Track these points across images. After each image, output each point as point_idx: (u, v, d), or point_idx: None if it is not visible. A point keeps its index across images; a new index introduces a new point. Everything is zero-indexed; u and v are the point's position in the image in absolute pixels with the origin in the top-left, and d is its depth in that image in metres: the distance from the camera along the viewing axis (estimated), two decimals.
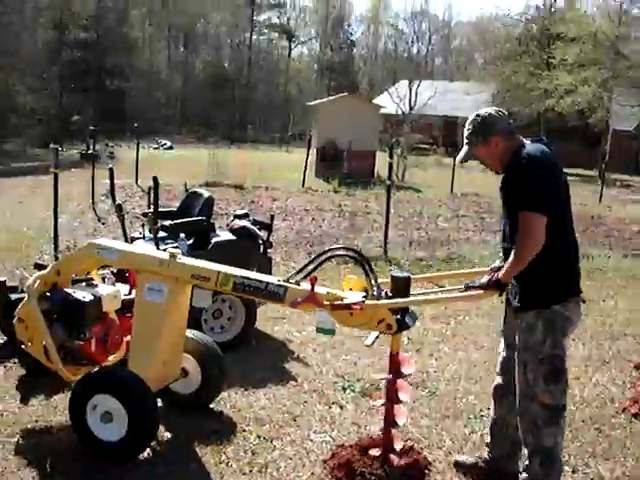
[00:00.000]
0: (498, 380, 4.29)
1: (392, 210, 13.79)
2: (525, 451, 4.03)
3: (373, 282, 4.09)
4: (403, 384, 4.23)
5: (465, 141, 4.03)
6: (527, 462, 3.99)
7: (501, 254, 4.11)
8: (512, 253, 3.78)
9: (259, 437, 4.77)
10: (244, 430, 4.87)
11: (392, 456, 4.19)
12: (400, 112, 31.88)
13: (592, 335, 7.64)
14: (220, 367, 5.12)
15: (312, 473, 4.31)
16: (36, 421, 4.85)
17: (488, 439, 4.41)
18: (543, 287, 3.83)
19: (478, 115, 3.97)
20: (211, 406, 5.20)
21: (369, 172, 24.86)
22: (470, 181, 24.18)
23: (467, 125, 4.00)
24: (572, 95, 34.17)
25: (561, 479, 4.04)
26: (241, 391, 5.53)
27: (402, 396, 4.18)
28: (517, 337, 3.96)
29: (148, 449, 4.49)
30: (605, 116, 35.77)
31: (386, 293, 4.07)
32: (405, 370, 4.21)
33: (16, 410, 5.01)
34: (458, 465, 4.44)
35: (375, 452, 4.24)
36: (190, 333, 5.03)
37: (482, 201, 19.86)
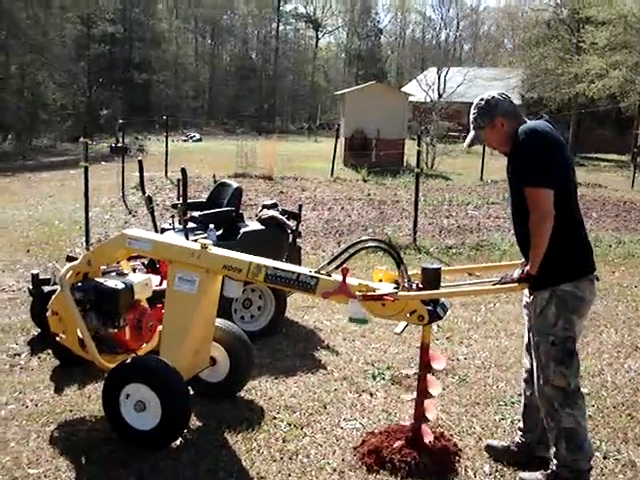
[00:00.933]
0: (526, 363, 4.29)
1: (421, 198, 13.77)
2: (550, 437, 4.02)
3: (404, 273, 4.10)
4: (433, 379, 4.25)
5: (472, 125, 4.06)
6: (553, 448, 3.99)
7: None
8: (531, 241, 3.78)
9: (289, 424, 4.80)
10: (274, 418, 4.90)
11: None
12: (429, 100, 31.66)
13: (624, 321, 7.57)
14: (248, 356, 5.16)
15: (342, 460, 4.32)
16: (70, 411, 4.92)
17: (521, 424, 4.39)
18: (553, 266, 3.80)
19: (482, 99, 4.01)
20: (241, 394, 5.24)
21: (398, 161, 24.76)
22: (500, 168, 23.83)
23: (472, 109, 4.04)
24: (603, 79, 33.62)
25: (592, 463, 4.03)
26: (271, 379, 5.57)
27: (432, 391, 4.21)
28: (531, 319, 3.99)
29: (181, 437, 4.54)
30: (637, 100, 35.18)
31: (417, 285, 4.09)
32: (436, 365, 4.22)
33: (50, 400, 5.09)
34: (489, 448, 4.44)
35: (407, 449, 4.24)
36: (218, 322, 5.07)
37: None
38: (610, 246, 11.88)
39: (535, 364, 3.98)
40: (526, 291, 4.12)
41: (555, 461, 3.99)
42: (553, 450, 3.99)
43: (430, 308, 3.96)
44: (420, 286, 4.06)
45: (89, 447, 4.39)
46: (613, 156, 32.60)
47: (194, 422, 4.78)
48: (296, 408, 5.07)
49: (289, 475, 4.13)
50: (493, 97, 3.98)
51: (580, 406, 3.94)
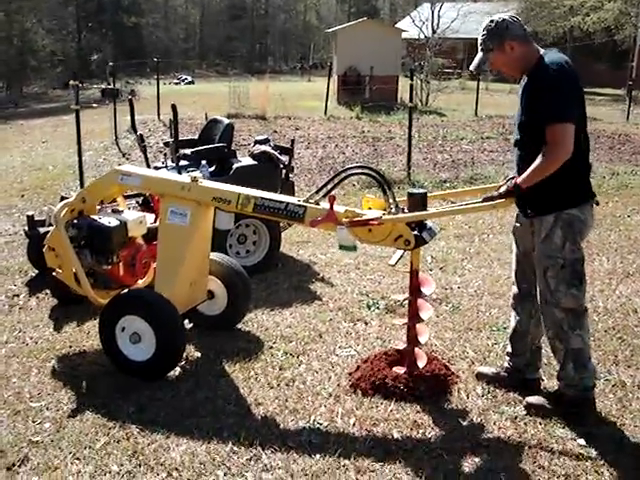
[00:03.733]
0: (514, 289, 4.34)
1: (416, 134, 13.74)
2: (556, 358, 4.09)
3: (391, 199, 4.13)
4: (424, 303, 4.32)
5: (479, 47, 3.96)
6: (559, 368, 4.06)
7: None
8: (537, 160, 3.74)
9: (286, 353, 4.89)
10: (271, 347, 4.98)
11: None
12: (422, 36, 31.21)
13: (616, 249, 7.64)
14: (245, 288, 5.22)
15: (338, 385, 4.41)
16: (70, 347, 5.00)
17: (509, 348, 4.47)
18: (560, 192, 3.81)
19: (492, 21, 3.91)
20: (239, 326, 5.32)
21: (392, 97, 24.55)
22: (495, 103, 23.88)
23: (481, 31, 3.94)
24: (598, 12, 33.20)
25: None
26: (267, 311, 5.65)
27: (423, 314, 4.27)
28: (535, 245, 3.98)
29: (179, 367, 4.63)
30: (632, 33, 34.78)
31: (403, 210, 4.12)
32: (425, 290, 4.27)
33: (50, 337, 5.17)
34: (480, 376, 4.52)
35: (400, 369, 4.34)
36: (216, 256, 5.12)
37: (507, 122, 19.56)
38: (604, 177, 11.91)
39: (541, 289, 3.99)
40: (515, 218, 4.15)
41: (561, 382, 4.07)
42: (559, 370, 4.06)
43: (416, 233, 4.00)
44: (406, 211, 4.09)
45: (89, 380, 4.47)
46: (608, 90, 32.26)
47: (192, 353, 4.86)
48: (292, 338, 5.15)
49: (286, 400, 4.22)
50: (503, 19, 3.88)
51: (586, 326, 4.00)
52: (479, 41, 3.95)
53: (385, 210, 4.16)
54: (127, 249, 4.96)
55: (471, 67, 4.11)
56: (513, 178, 3.95)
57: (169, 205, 4.59)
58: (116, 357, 4.52)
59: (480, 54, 3.98)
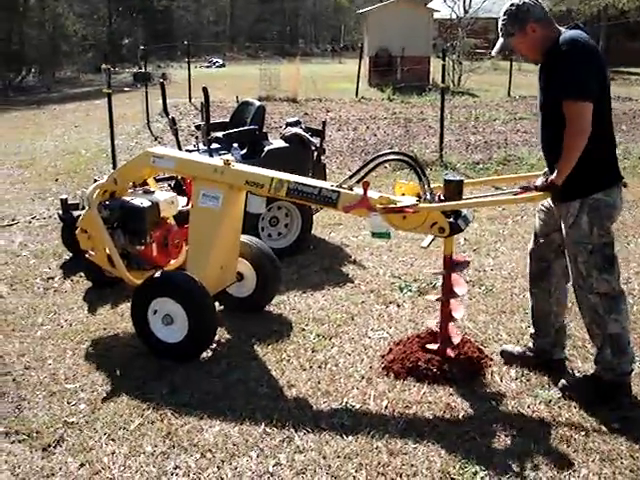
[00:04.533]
0: (528, 269, 4.33)
1: (448, 115, 13.63)
2: (595, 343, 4.03)
3: (426, 186, 4.09)
4: (458, 278, 4.28)
5: (500, 32, 3.91)
6: (597, 353, 4.00)
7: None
8: (562, 153, 3.69)
9: (318, 336, 4.89)
10: (303, 330, 4.99)
11: (449, 350, 4.28)
12: (454, 16, 30.90)
13: None
14: (275, 270, 5.22)
15: (370, 367, 4.40)
16: (104, 329, 5.04)
17: (532, 329, 4.43)
18: (584, 176, 3.73)
19: (512, 4, 3.83)
20: (270, 309, 5.33)
21: (424, 78, 24.39)
22: (528, 84, 23.45)
23: (502, 16, 3.88)
24: None
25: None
26: (299, 294, 5.65)
27: (458, 290, 4.24)
28: (563, 232, 3.93)
29: (211, 350, 4.65)
30: None
31: (439, 197, 4.07)
32: (460, 266, 4.25)
33: (84, 320, 5.22)
34: (504, 353, 4.50)
35: (433, 346, 4.32)
36: (245, 238, 5.13)
37: None
38: (639, 159, 11.73)
39: (574, 276, 3.94)
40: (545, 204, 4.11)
41: (598, 365, 4.01)
42: (597, 354, 4.00)
43: (451, 220, 3.97)
44: (442, 198, 4.05)
45: (123, 362, 4.51)
46: None
47: (224, 335, 4.89)
48: (324, 320, 5.15)
49: (318, 382, 4.22)
50: (524, 2, 3.80)
51: (624, 310, 3.93)
52: (499, 26, 3.90)
53: (419, 196, 4.12)
54: (159, 229, 4.99)
55: (493, 52, 4.10)
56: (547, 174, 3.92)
57: (201, 188, 4.60)
58: (148, 338, 4.56)
59: (501, 39, 3.93)
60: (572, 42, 3.68)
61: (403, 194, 4.22)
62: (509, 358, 4.45)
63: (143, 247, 4.93)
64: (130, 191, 5.07)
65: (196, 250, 4.70)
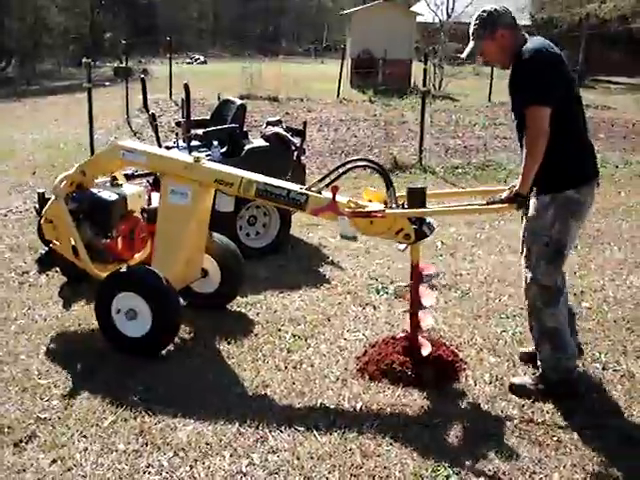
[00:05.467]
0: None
1: (428, 119, 13.65)
2: (534, 340, 4.15)
3: (392, 194, 4.18)
4: (425, 290, 4.34)
5: (471, 36, 4.07)
6: (537, 349, 4.13)
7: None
8: (523, 160, 3.82)
9: (294, 336, 4.89)
10: (279, 330, 4.99)
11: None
12: (437, 20, 30.98)
13: (628, 239, 7.60)
14: (239, 267, 5.25)
15: (345, 369, 4.41)
16: (79, 324, 5.02)
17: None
18: (556, 174, 3.86)
19: (484, 10, 4.02)
20: (247, 308, 5.33)
21: (405, 82, 24.43)
22: None
23: (473, 21, 4.06)
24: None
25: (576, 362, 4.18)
26: (276, 294, 5.65)
27: (425, 301, 4.29)
28: (526, 222, 4.05)
29: (187, 349, 4.65)
30: None
31: (402, 205, 4.16)
32: (426, 276, 4.30)
33: (59, 315, 5.18)
34: (524, 356, 4.55)
35: (401, 358, 4.34)
36: (210, 235, 5.14)
37: None
38: (617, 167, 11.86)
39: (526, 265, 4.07)
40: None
41: (543, 364, 4.11)
42: (539, 352, 4.12)
43: (416, 227, 4.04)
44: (406, 206, 4.13)
45: (98, 358, 4.49)
46: (623, 78, 32.03)
47: (200, 334, 4.87)
48: (300, 321, 5.15)
49: (293, 383, 4.23)
50: (495, 9, 4.00)
51: (561, 307, 4.06)
52: (471, 30, 4.06)
53: (386, 204, 4.19)
54: (126, 223, 4.99)
55: (463, 55, 4.26)
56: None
57: (170, 184, 4.60)
58: (111, 332, 4.56)
59: (472, 42, 4.08)
60: (533, 50, 3.83)
61: (370, 200, 4.28)
62: (527, 359, 4.52)
63: (109, 240, 4.93)
64: (97, 183, 5.05)
65: (163, 245, 4.70)
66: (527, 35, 3.99)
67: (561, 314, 4.06)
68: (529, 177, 3.81)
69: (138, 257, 5.17)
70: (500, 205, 3.99)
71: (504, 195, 3.98)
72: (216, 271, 5.17)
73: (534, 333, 4.13)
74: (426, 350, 4.28)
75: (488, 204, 4.06)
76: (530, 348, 4.52)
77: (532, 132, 3.76)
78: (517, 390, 4.15)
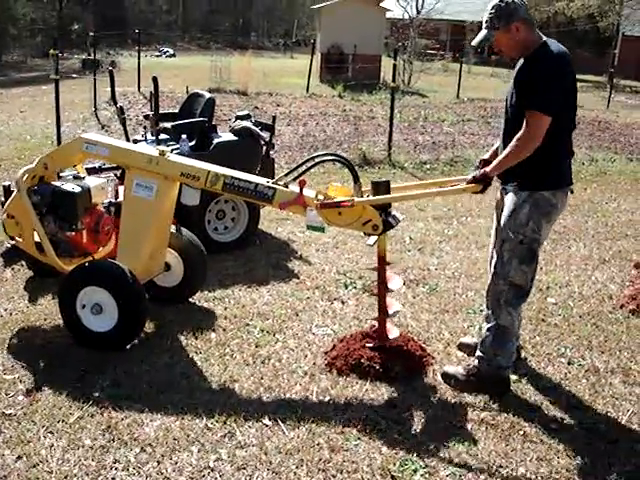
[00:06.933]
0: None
1: (397, 115, 13.71)
2: (484, 327, 4.21)
3: (359, 189, 4.21)
4: (391, 275, 4.40)
5: (485, 25, 3.94)
6: (481, 340, 4.20)
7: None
8: (507, 148, 3.84)
9: (262, 331, 4.88)
10: (247, 325, 4.98)
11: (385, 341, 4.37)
12: (407, 16, 31.07)
13: (593, 235, 7.71)
14: (202, 261, 5.23)
15: (313, 363, 4.42)
16: (45, 319, 4.95)
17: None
18: (538, 173, 3.87)
19: (502, 0, 3.86)
20: (215, 303, 5.31)
21: (374, 77, 24.50)
22: (477, 86, 23.93)
23: (489, 9, 3.91)
24: None
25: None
26: (244, 288, 5.64)
27: (391, 285, 4.34)
28: (502, 217, 4.05)
29: (154, 343, 4.62)
30: (616, 20, 34.81)
31: (369, 197, 4.20)
32: (392, 285, 4.36)
33: (24, 309, 5.11)
34: (462, 346, 4.65)
35: (369, 344, 4.38)
36: (173, 229, 5.11)
37: (488, 106, 19.65)
38: (583, 164, 12.01)
39: (495, 260, 4.10)
40: (499, 193, 4.19)
41: (479, 353, 4.18)
42: (482, 338, 4.19)
43: (383, 218, 4.07)
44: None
45: (63, 354, 4.44)
46: (590, 77, 32.39)
47: (167, 329, 4.85)
48: (269, 315, 5.15)
49: (261, 378, 4.22)
50: (513, 1, 3.85)
51: (520, 308, 4.13)
52: (485, 18, 3.94)
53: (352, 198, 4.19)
54: (90, 216, 4.94)
55: (473, 42, 4.10)
56: (483, 163, 4.08)
57: (135, 178, 4.56)
58: (76, 327, 4.52)
59: (484, 31, 3.96)
60: (556, 57, 3.78)
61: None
62: (467, 350, 4.61)
63: (73, 233, 4.88)
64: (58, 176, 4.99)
65: (128, 239, 4.67)
66: (543, 35, 3.90)
67: (517, 317, 4.13)
68: (503, 167, 3.86)
69: (103, 251, 5.12)
70: (465, 186, 4.04)
71: (471, 175, 4.02)
72: (179, 265, 5.15)
73: (486, 322, 4.20)
74: (393, 335, 4.32)
75: (453, 186, 4.16)
76: (471, 339, 4.62)
77: (527, 135, 3.76)
78: (448, 379, 4.22)
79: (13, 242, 5.08)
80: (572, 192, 4.09)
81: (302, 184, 4.15)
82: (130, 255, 4.60)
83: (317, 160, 4.41)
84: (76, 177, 5.01)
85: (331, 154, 4.56)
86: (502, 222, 4.05)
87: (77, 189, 4.77)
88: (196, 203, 5.21)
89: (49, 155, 4.93)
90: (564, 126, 3.90)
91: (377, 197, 4.11)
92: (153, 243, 4.76)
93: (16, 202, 4.81)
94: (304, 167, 4.34)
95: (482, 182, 3.97)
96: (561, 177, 3.98)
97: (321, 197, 4.15)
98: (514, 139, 3.80)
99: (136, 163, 4.57)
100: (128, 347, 4.54)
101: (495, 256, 4.11)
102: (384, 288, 4.29)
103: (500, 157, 3.89)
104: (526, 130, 3.76)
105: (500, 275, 4.05)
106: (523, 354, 4.65)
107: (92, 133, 5.15)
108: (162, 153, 4.49)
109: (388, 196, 4.14)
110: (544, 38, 3.90)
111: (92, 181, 5.01)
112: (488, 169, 3.93)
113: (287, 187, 4.27)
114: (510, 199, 3.99)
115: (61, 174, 5.01)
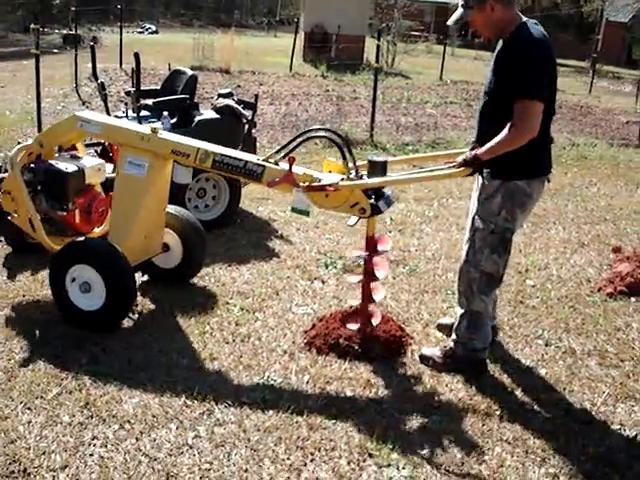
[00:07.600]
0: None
1: (380, 96, 13.69)
2: (458, 312, 4.23)
3: (350, 164, 4.11)
4: (380, 261, 4.33)
5: (460, 3, 3.89)
6: (457, 323, 4.22)
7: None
8: (501, 134, 3.71)
9: (242, 309, 4.88)
10: (227, 303, 4.97)
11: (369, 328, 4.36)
12: None
13: (573, 219, 7.76)
14: (201, 243, 5.19)
15: (293, 342, 4.43)
16: (23, 295, 4.92)
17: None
18: (513, 162, 3.78)
19: None
20: (195, 281, 5.29)
21: (358, 57, 24.43)
22: (460, 69, 23.92)
23: None
24: None
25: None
26: (225, 267, 5.63)
27: (378, 273, 4.29)
28: (476, 204, 4.03)
29: (133, 320, 4.61)
30: (599, 5, 34.91)
31: (362, 176, 4.10)
32: (381, 248, 4.28)
33: (3, 285, 5.08)
34: (441, 327, 4.67)
35: (353, 326, 4.38)
36: (172, 209, 5.08)
37: (471, 88, 19.68)
38: (564, 148, 12.07)
39: (467, 247, 4.09)
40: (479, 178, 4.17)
41: (453, 335, 4.22)
42: (456, 324, 4.23)
43: (373, 202, 4.01)
44: (365, 177, 4.08)
45: (43, 330, 4.42)
46: (573, 62, 32.49)
47: (147, 306, 4.84)
48: (249, 294, 5.15)
49: (241, 356, 4.23)
50: None
51: (492, 294, 4.17)
52: None
53: (344, 175, 4.14)
54: (84, 196, 4.90)
55: (449, 22, 4.05)
56: (474, 148, 3.94)
57: (127, 155, 4.53)
58: (65, 305, 4.49)
59: (460, 10, 3.90)
60: (537, 41, 3.70)
61: (330, 171, 4.24)
62: (446, 331, 4.59)
63: (65, 213, 4.84)
64: (57, 155, 4.96)
65: (119, 218, 4.64)
66: (522, 16, 3.80)
67: (490, 302, 4.16)
68: (495, 152, 3.75)
69: (98, 231, 5.08)
70: (456, 170, 3.96)
71: (460, 158, 3.96)
72: (178, 246, 5.11)
73: (459, 307, 4.23)
74: (376, 320, 4.32)
75: (445, 169, 4.05)
76: (450, 319, 4.63)
77: (523, 126, 3.63)
78: (426, 360, 4.25)
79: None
80: (549, 181, 4.04)
81: (291, 161, 4.09)
82: (121, 234, 4.57)
83: (308, 135, 4.34)
84: (73, 156, 4.96)
85: (323, 129, 4.48)
86: (473, 211, 4.04)
87: (70, 168, 4.73)
88: (189, 182, 5.21)
89: (44, 133, 4.92)
90: (544, 113, 3.77)
91: (361, 182, 4.03)
92: (147, 223, 4.72)
93: (11, 179, 4.78)
94: (294, 143, 4.23)
95: (472, 165, 3.89)
96: (538, 166, 3.92)
97: (308, 179, 4.07)
98: (508, 126, 3.67)
99: (128, 141, 4.54)
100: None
101: (467, 244, 4.10)
102: (370, 275, 4.26)
103: (493, 142, 3.75)
104: (520, 121, 3.64)
105: (471, 263, 4.05)
106: (500, 334, 4.69)
107: (86, 111, 5.11)
108: (154, 131, 4.46)
109: (372, 180, 4.01)
110: (524, 19, 3.80)
111: (88, 161, 4.96)
112: (479, 152, 3.82)
113: (277, 164, 4.22)
114: (482, 187, 3.96)
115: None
